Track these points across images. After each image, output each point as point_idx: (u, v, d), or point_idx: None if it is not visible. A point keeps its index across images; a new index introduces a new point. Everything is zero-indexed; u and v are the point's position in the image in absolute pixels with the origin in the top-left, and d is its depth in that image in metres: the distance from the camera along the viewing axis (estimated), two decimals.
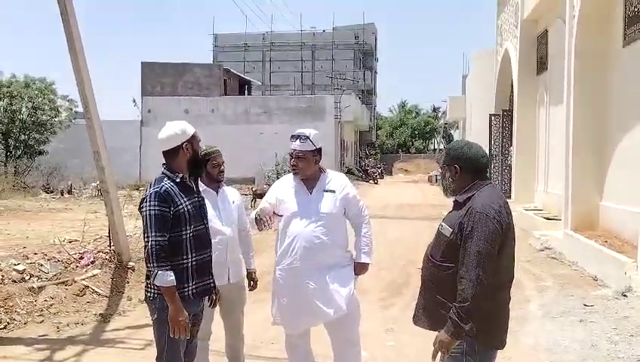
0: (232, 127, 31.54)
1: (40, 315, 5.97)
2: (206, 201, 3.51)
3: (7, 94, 26.59)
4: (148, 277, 3.08)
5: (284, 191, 3.76)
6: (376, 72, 54.13)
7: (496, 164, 16.88)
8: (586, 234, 8.87)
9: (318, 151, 3.73)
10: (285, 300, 3.67)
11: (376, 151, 54.02)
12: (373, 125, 53.30)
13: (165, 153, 3.16)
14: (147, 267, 3.00)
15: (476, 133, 23.50)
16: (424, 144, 66.31)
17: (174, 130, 3.15)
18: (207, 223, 3.24)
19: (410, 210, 18.30)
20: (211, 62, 43.37)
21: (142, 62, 35.28)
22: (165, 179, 3.10)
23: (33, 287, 6.49)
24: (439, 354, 2.67)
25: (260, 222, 3.57)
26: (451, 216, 2.71)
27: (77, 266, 7.45)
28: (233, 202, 3.95)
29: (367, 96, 48.35)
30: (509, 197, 15.10)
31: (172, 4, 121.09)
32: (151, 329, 3.19)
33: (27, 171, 26.28)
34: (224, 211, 3.84)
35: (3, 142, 27.23)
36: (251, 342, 4.74)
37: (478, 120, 22.89)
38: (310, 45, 45.93)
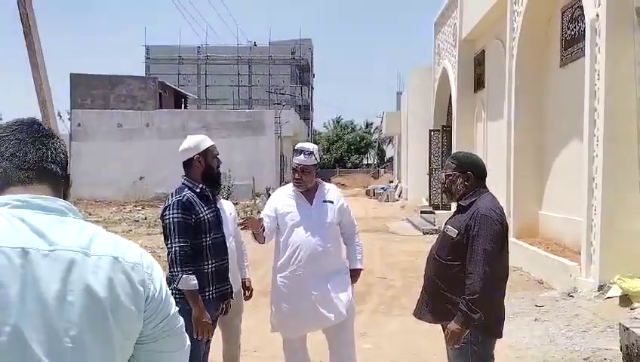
0: (168, 141, 30.95)
1: None
2: None
3: None
4: (169, 283, 3.19)
5: (284, 202, 3.90)
6: (312, 88, 54.89)
7: (436, 178, 17.59)
8: (528, 241, 9.50)
9: (318, 164, 3.93)
10: (287, 306, 3.81)
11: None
12: (311, 140, 53.91)
13: (183, 164, 3.38)
14: (170, 272, 3.13)
15: (413, 148, 24.35)
16: (359, 159, 67.49)
17: (189, 143, 3.38)
18: (224, 232, 3.39)
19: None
20: (144, 75, 42.57)
21: (71, 74, 33.93)
22: (186, 189, 3.28)
23: None
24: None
25: (257, 235, 3.71)
26: (456, 220, 3.01)
27: None
28: (230, 214, 4.08)
29: (305, 111, 48.91)
30: (450, 209, 15.79)
31: (101, 13, 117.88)
32: None
33: None
34: (224, 223, 3.97)
35: None
36: None
37: (415, 135, 23.72)
38: (247, 59, 46.06)
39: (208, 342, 3.35)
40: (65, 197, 1.32)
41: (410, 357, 5.32)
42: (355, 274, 4.00)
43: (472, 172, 3.01)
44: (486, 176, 3.08)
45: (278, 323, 3.91)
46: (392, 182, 35.74)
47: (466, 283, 2.82)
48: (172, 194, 3.28)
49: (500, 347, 5.49)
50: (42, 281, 1.14)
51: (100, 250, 1.21)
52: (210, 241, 3.26)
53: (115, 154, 29.47)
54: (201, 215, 3.22)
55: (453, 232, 2.96)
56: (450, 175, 3.06)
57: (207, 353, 3.42)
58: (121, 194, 27.60)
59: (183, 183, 3.33)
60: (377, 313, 6.88)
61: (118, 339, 1.21)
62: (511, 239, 10.04)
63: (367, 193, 34.92)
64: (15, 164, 1.25)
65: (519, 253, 9.41)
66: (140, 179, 29.26)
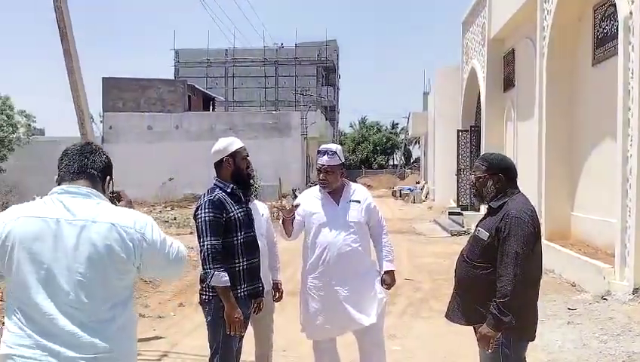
0: (196, 143, 31.32)
1: None
2: None
3: None
4: (202, 281, 3.32)
5: (311, 203, 3.94)
6: (338, 89, 54.90)
7: (465, 179, 17.44)
8: (560, 244, 9.35)
9: (344, 164, 3.95)
10: (316, 308, 3.83)
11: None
12: (337, 141, 53.91)
13: (214, 165, 3.49)
14: (203, 269, 3.24)
15: (440, 149, 24.15)
16: (385, 159, 67.11)
17: (219, 145, 3.50)
18: (255, 231, 3.45)
19: None
20: (174, 78, 43.11)
21: (103, 78, 34.61)
22: (217, 189, 3.38)
23: None
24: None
25: (286, 224, 3.78)
26: (487, 222, 2.99)
27: None
28: (263, 215, 4.11)
29: (330, 112, 48.94)
30: (478, 210, 15.63)
31: (131, 18, 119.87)
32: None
33: None
34: (257, 223, 4.00)
35: None
36: None
37: (442, 136, 23.52)
38: (273, 61, 46.28)
39: (241, 339, 3.41)
40: (106, 188, 2.19)
41: (440, 359, 5.29)
42: (387, 275, 3.96)
43: (503, 174, 2.98)
44: (517, 177, 3.05)
45: (307, 325, 3.93)
46: (418, 183, 35.48)
47: (497, 286, 2.80)
48: (204, 194, 3.37)
49: (532, 350, 5.42)
50: (65, 238, 1.98)
51: (103, 219, 2.01)
52: (242, 240, 3.33)
53: (145, 155, 29.93)
54: (232, 214, 3.30)
55: (484, 234, 2.94)
56: (480, 177, 3.03)
57: (240, 351, 3.47)
58: (150, 195, 27.97)
59: (214, 184, 3.43)
60: (406, 315, 6.86)
61: (112, 275, 2.02)
62: (542, 241, 9.94)
63: (393, 194, 34.74)
64: (67, 170, 2.15)
65: (551, 256, 9.27)
66: (170, 180, 29.63)
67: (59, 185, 2.11)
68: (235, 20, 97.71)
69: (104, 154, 2.20)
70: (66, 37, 6.95)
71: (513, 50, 13.77)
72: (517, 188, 3.03)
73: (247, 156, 3.54)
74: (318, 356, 4.01)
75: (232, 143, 3.48)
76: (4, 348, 1.98)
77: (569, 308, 6.76)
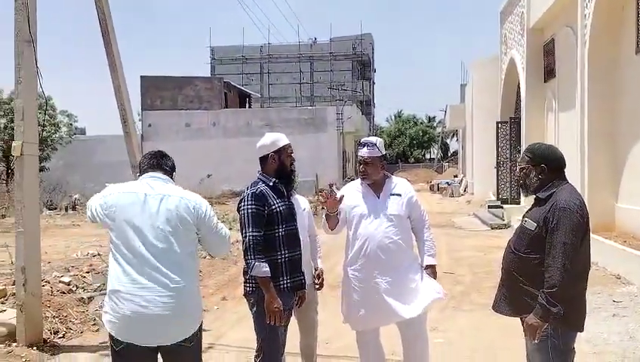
0: (233, 140, 31.72)
1: (94, 324, 6.17)
2: None
3: (9, 111, 26.50)
4: (245, 273, 3.40)
5: (352, 195, 3.98)
6: (374, 83, 54.64)
7: (504, 171, 17.19)
8: (604, 236, 9.16)
9: (384, 157, 3.98)
10: (357, 299, 3.87)
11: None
12: (373, 135, 53.59)
13: (259, 159, 3.57)
14: (245, 260, 3.31)
15: (478, 141, 23.84)
16: (422, 153, 66.48)
17: (265, 140, 3.57)
18: (297, 224, 3.52)
19: None
20: (210, 75, 43.67)
21: (141, 76, 35.24)
22: (260, 182, 3.47)
23: (82, 298, 6.70)
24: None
25: (329, 218, 3.84)
26: (534, 212, 2.98)
27: None
28: (304, 209, 4.18)
29: (366, 106, 48.76)
30: (519, 203, 15.40)
31: (166, 17, 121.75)
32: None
33: None
34: (298, 217, 4.07)
35: (4, 160, 27.13)
36: None
37: (480, 128, 23.20)
38: (308, 56, 46.36)
39: (285, 330, 3.47)
40: (173, 177, 3.17)
41: (483, 351, 5.28)
42: (428, 269, 3.95)
43: (546, 165, 2.97)
44: (564, 168, 3.02)
45: (348, 316, 3.97)
46: (456, 176, 35.05)
47: (545, 277, 2.79)
48: (247, 187, 3.45)
49: (577, 342, 5.36)
50: (150, 206, 2.90)
51: (174, 194, 2.98)
52: (283, 232, 3.39)
53: (183, 152, 30.29)
54: (274, 207, 3.37)
55: (531, 225, 2.93)
56: (524, 168, 3.03)
57: (284, 342, 3.53)
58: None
59: (258, 177, 3.52)
60: (447, 308, 6.84)
61: (181, 232, 2.90)
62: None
63: (431, 188, 34.47)
64: (150, 164, 3.14)
65: (595, 248, 9.04)
66: (208, 176, 30.07)
67: (140, 175, 3.13)
68: (269, 16, 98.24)
69: (171, 158, 3.24)
70: (108, 36, 7.15)
71: (553, 39, 13.50)
72: (565, 179, 3.01)
73: (292, 153, 3.61)
74: (362, 347, 4.05)
75: (278, 140, 3.55)
76: (111, 284, 2.86)
77: (614, 301, 6.64)
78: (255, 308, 3.38)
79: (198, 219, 2.93)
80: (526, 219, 3.00)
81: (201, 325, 3.03)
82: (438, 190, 32.15)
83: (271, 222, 3.35)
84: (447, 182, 32.29)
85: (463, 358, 5.11)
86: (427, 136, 65.78)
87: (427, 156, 67.63)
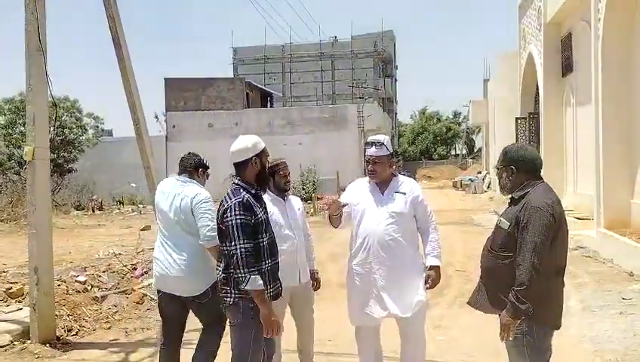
0: None
1: (107, 322, 6.37)
2: (275, 209, 3.87)
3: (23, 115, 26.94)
4: (225, 283, 3.26)
5: (357, 192, 4.04)
6: (396, 80, 54.43)
7: None
8: (619, 232, 9.04)
9: (392, 154, 4.01)
10: (356, 293, 3.93)
11: (399, 159, 54.01)
12: (395, 133, 53.49)
13: (236, 165, 3.36)
14: (236, 274, 3.13)
15: (500, 137, 23.61)
16: (446, 150, 65.86)
17: (246, 143, 3.32)
18: (273, 232, 3.48)
19: (439, 215, 18.40)
20: (232, 76, 44.05)
21: (165, 78, 35.79)
22: (242, 190, 3.26)
23: (97, 297, 6.91)
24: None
25: (333, 218, 3.91)
26: (508, 212, 3.03)
27: (132, 276, 7.88)
28: (298, 209, 4.26)
29: (388, 103, 48.63)
30: None
31: (189, 19, 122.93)
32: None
33: (57, 190, 26.61)
34: (292, 218, 4.14)
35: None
36: None
37: (502, 123, 22.98)
38: (329, 55, 46.42)
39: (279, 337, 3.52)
40: (200, 174, 4.31)
41: (485, 349, 5.26)
42: (432, 270, 3.95)
43: (516, 167, 3.00)
44: (538, 170, 3.04)
45: (350, 310, 4.03)
46: (480, 172, 34.75)
47: (516, 275, 2.84)
48: (227, 196, 3.24)
49: (579, 340, 5.37)
50: (171, 200, 4.09)
51: (186, 193, 4.05)
52: (267, 241, 3.28)
53: (206, 152, 29.89)
54: (259, 216, 3.23)
55: (505, 224, 2.98)
56: (498, 168, 3.09)
57: (274, 347, 3.59)
58: (213, 192, 28.53)
59: (236, 184, 3.30)
60: (454, 306, 6.85)
61: (185, 223, 4.00)
62: (600, 230, 9.65)
63: (454, 185, 34.28)
64: (179, 167, 4.27)
65: (609, 245, 9.00)
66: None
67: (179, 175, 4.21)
68: (289, 16, 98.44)
69: (195, 157, 4.30)
70: (119, 44, 7.33)
71: (570, 33, 13.33)
72: (540, 178, 3.04)
73: (269, 156, 3.47)
74: (360, 343, 4.09)
75: (259, 142, 3.36)
76: (155, 253, 4.15)
77: (623, 298, 6.58)
78: (241, 319, 3.22)
79: (192, 206, 3.96)
80: (501, 218, 3.05)
81: (211, 289, 3.86)
82: (461, 187, 31.92)
83: (256, 232, 3.20)
84: (469, 179, 32.04)
85: (465, 356, 5.14)
86: (451, 132, 65.16)
87: (452, 152, 66.99)
